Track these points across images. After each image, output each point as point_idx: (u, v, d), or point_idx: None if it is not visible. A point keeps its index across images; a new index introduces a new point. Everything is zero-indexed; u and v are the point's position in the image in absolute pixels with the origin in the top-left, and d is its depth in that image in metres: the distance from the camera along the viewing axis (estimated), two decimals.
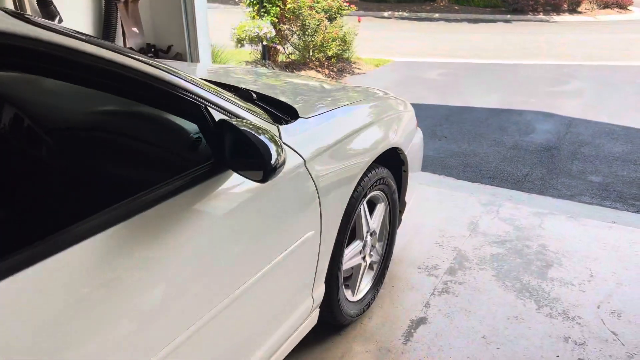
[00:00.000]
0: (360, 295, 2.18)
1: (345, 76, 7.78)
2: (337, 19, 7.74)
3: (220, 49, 6.35)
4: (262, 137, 1.21)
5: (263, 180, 1.17)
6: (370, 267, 2.30)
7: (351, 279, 2.15)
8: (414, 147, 2.38)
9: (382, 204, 2.21)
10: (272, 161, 1.18)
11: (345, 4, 7.90)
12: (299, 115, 1.70)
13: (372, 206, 2.20)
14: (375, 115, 2.06)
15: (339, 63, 8.08)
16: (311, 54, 7.65)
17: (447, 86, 7.09)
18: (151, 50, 4.40)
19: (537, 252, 2.71)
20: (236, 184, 1.31)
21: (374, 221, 2.16)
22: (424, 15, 17.24)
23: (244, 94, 1.77)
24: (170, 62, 2.96)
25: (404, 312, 2.25)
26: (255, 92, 1.84)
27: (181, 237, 1.15)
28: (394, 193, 2.25)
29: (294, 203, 1.52)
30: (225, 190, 1.29)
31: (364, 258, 2.15)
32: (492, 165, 4.09)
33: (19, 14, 1.00)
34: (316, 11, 7.52)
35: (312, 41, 7.41)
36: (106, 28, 4.03)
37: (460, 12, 17.31)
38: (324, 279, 1.81)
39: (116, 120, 1.54)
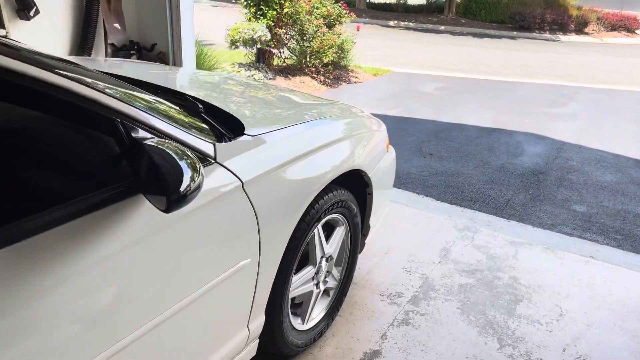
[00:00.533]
0: (311, 323, 2.06)
1: (341, 84, 7.67)
2: (336, 26, 7.64)
3: (212, 49, 6.24)
4: (175, 161, 1.08)
5: (166, 209, 1.05)
6: (327, 293, 2.18)
7: (301, 307, 2.03)
8: (381, 170, 2.26)
9: (342, 227, 2.09)
10: (181, 188, 1.05)
11: (345, 11, 7.80)
12: (244, 132, 1.58)
13: (331, 229, 2.08)
14: (336, 135, 1.94)
15: (335, 70, 7.98)
16: (308, 59, 7.54)
17: (442, 101, 6.98)
18: (134, 48, 4.29)
19: (508, 284, 2.59)
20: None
21: (330, 246, 2.03)
22: (430, 26, 17.18)
23: (190, 105, 1.65)
24: (134, 64, 2.84)
25: (358, 343, 2.12)
26: (204, 103, 1.73)
27: (87, 260, 1.03)
28: (355, 217, 2.12)
29: (226, 229, 1.39)
30: (144, 210, 1.16)
31: (317, 285, 2.03)
32: (475, 187, 3.97)
33: None
34: (315, 17, 7.42)
35: (309, 47, 7.31)
36: (86, 23, 3.91)
37: (466, 26, 17.24)
38: (263, 310, 1.68)
39: (39, 124, 1.41)
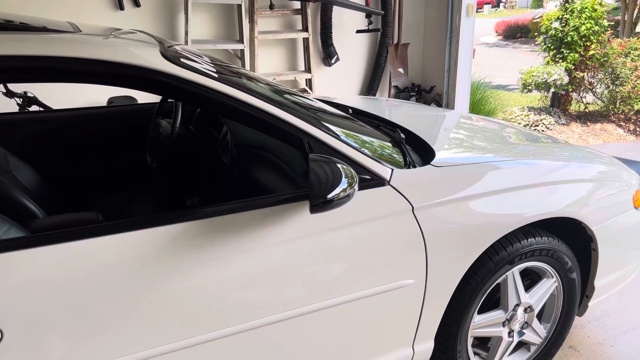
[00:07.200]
0: None
1: None
2: None
3: (500, 93, 6.23)
4: (335, 173, 1.30)
5: (310, 210, 1.28)
6: (527, 348, 2.03)
7: (489, 351, 1.95)
8: (618, 225, 1.99)
9: (550, 280, 1.93)
10: (329, 195, 1.26)
11: None
12: (430, 162, 1.69)
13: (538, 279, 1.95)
14: (543, 177, 1.82)
15: None
16: (616, 105, 6.70)
17: None
18: (415, 90, 4.72)
19: None
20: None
21: (531, 296, 1.90)
22: None
23: (396, 135, 1.87)
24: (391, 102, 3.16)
25: None
26: (412, 134, 1.93)
27: (263, 241, 1.35)
28: (570, 271, 1.93)
29: (390, 246, 1.52)
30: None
31: (510, 333, 1.92)
32: None
33: (170, 56, 1.37)
34: (631, 59, 6.57)
35: (619, 92, 6.50)
36: (375, 67, 4.53)
37: None
38: (433, 336, 1.72)
39: (268, 141, 1.84)
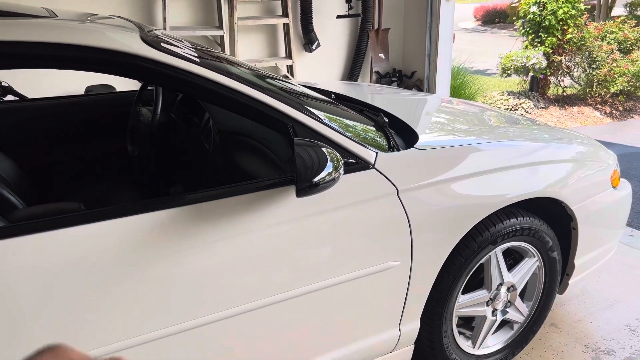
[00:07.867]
0: (483, 351, 1.99)
1: (632, 117, 6.68)
2: (632, 51, 6.70)
3: (480, 78, 6.27)
4: (320, 157, 1.30)
5: (296, 194, 1.28)
6: (510, 326, 2.07)
7: (474, 330, 1.99)
8: (596, 204, 2.03)
9: (532, 259, 1.97)
10: (315, 179, 1.26)
11: None
12: (414, 145, 1.70)
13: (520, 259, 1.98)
14: (525, 158, 1.85)
15: (629, 102, 6.98)
16: (593, 89, 6.81)
17: None
18: (396, 75, 4.72)
19: None
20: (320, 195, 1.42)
21: (514, 275, 1.94)
22: None
23: (380, 119, 1.87)
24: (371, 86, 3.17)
25: None
26: (395, 118, 1.93)
27: (253, 224, 1.35)
28: (551, 250, 1.97)
29: (375, 228, 1.53)
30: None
31: (493, 312, 1.95)
32: None
33: (151, 41, 1.35)
34: (607, 42, 6.67)
35: (595, 75, 6.61)
36: (356, 53, 4.52)
37: None
38: (418, 316, 1.75)
39: (255, 127, 1.83)
